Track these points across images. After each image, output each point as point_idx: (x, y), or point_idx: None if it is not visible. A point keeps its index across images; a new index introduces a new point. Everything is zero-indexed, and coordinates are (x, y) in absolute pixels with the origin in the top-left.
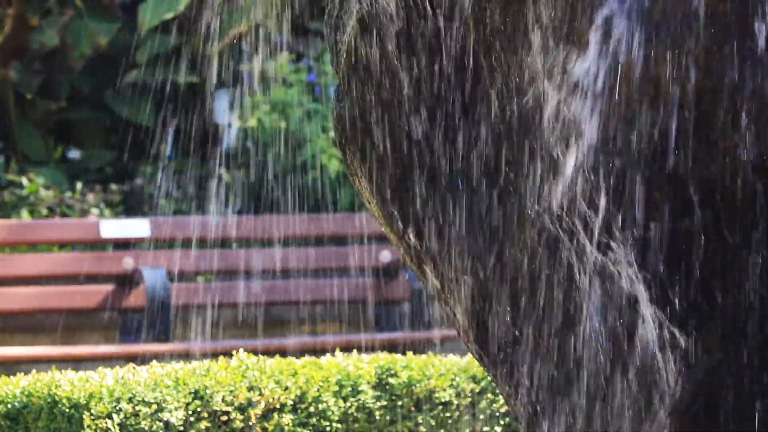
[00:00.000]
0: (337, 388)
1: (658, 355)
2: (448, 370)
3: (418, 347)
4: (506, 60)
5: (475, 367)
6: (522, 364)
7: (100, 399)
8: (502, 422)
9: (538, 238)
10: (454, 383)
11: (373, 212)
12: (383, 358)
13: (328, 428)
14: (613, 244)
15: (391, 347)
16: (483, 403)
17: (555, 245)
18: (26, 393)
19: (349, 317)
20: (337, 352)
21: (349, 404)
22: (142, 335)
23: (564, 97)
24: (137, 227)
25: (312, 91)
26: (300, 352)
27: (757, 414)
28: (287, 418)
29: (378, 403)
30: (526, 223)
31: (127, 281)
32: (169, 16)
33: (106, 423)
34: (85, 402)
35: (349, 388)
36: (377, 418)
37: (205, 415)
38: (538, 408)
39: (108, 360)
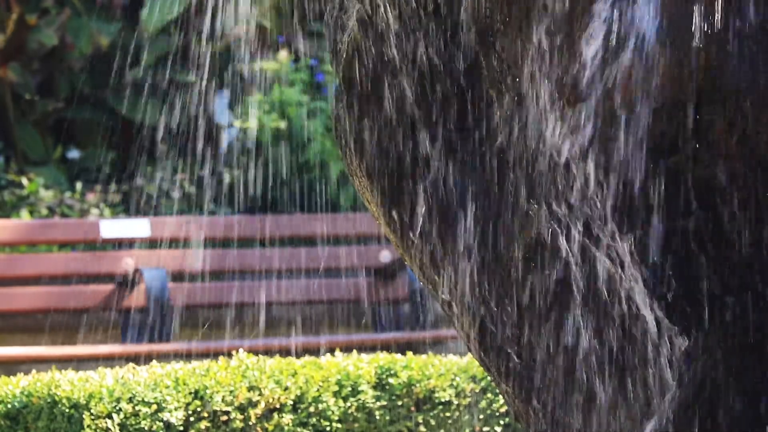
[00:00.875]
0: (336, 388)
1: (658, 355)
2: (448, 370)
3: (418, 347)
4: (507, 58)
5: (475, 367)
6: (522, 363)
7: (100, 399)
8: (502, 422)
9: (538, 238)
10: (454, 383)
11: (373, 212)
12: (383, 358)
13: (328, 428)
14: (614, 244)
15: (391, 347)
16: (483, 403)
17: (555, 245)
18: (26, 393)
19: (349, 317)
20: (337, 352)
21: (348, 404)
22: (142, 335)
23: (562, 96)
24: (137, 227)
25: (316, 89)
26: (300, 352)
27: (757, 414)
28: (287, 418)
29: (378, 403)
30: (526, 222)
31: (127, 281)
32: (170, 17)
33: (106, 423)
34: (85, 402)
35: (349, 388)
36: (377, 418)
37: (205, 415)
38: (538, 407)
39: (108, 360)
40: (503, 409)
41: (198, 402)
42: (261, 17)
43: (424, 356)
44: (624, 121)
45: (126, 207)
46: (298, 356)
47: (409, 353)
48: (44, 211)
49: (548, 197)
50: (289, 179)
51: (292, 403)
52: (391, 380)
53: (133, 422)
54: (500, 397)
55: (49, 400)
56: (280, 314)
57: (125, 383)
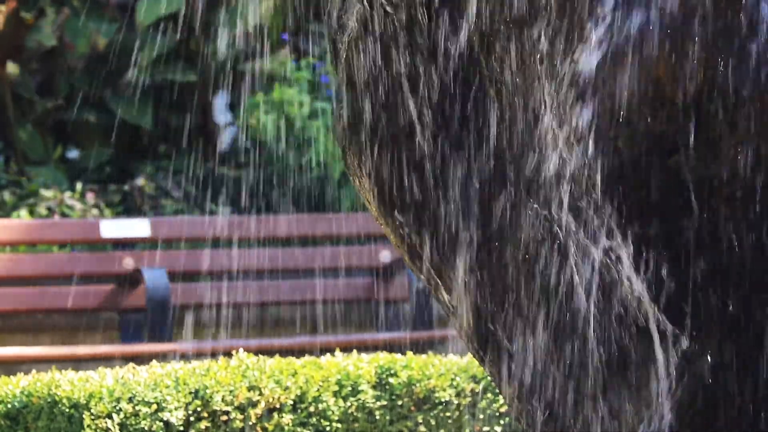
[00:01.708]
0: (337, 387)
1: (658, 355)
2: (448, 370)
3: (418, 347)
4: (507, 60)
5: (475, 366)
6: (522, 364)
7: (100, 399)
8: (502, 422)
9: (538, 238)
10: (454, 383)
11: (373, 212)
12: (383, 357)
13: (328, 428)
14: (614, 244)
15: (391, 347)
16: (483, 403)
17: (555, 245)
18: (26, 393)
19: (349, 317)
20: (337, 352)
21: (349, 404)
22: (142, 335)
23: (562, 97)
24: (137, 227)
25: (318, 90)
26: (300, 352)
27: (757, 414)
28: (287, 418)
29: (378, 403)
30: (526, 222)
31: (127, 281)
32: (165, 13)
33: (106, 423)
34: (85, 402)
35: (349, 388)
36: (377, 417)
37: (205, 415)
38: (538, 407)
39: (108, 360)
40: (503, 409)
41: (198, 402)
42: (262, 16)
43: (424, 356)
44: (623, 121)
45: (126, 207)
46: (299, 356)
47: (409, 353)
48: (44, 211)
49: (548, 198)
50: (289, 179)
51: (292, 402)
52: (391, 380)
53: (133, 422)
54: (500, 397)
55: (49, 400)
56: (280, 314)
57: (125, 383)
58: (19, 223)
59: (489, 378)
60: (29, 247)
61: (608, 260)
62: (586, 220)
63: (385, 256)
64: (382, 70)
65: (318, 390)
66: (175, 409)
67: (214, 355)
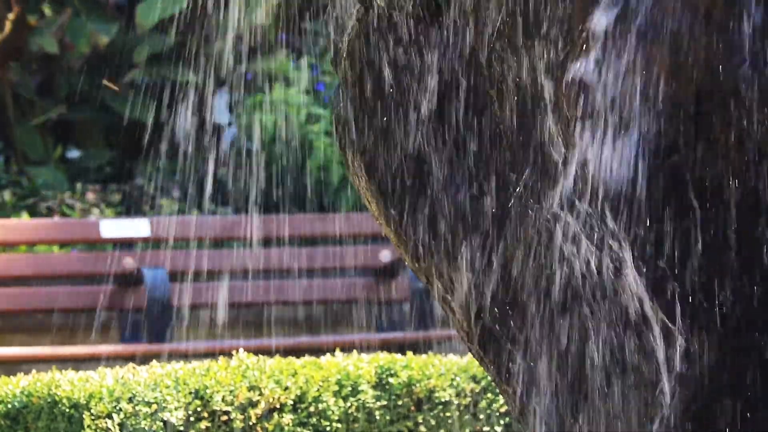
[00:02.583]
0: (337, 388)
1: (658, 355)
2: (448, 370)
3: (418, 347)
4: (508, 57)
5: (475, 367)
6: (522, 364)
7: (100, 399)
8: (502, 422)
9: (538, 237)
10: (454, 383)
11: (373, 212)
12: (383, 358)
13: (328, 428)
14: (614, 244)
15: (391, 347)
16: (483, 403)
17: (555, 244)
18: (26, 393)
19: (349, 317)
20: (337, 352)
21: (349, 404)
22: (142, 335)
23: (562, 96)
24: (137, 227)
25: (315, 94)
26: (300, 352)
27: (757, 414)
28: (287, 418)
29: (378, 403)
30: (526, 221)
31: (127, 281)
32: (168, 14)
33: (106, 423)
34: (85, 402)
35: (349, 388)
36: (377, 417)
37: (205, 415)
38: (537, 407)
39: (108, 360)
40: (503, 409)
41: (198, 402)
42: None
43: (424, 356)
44: (624, 121)
45: (126, 207)
46: (299, 356)
47: (409, 353)
48: (44, 211)
49: (549, 196)
50: (288, 179)
51: (292, 403)
52: (391, 380)
53: (133, 422)
54: (500, 397)
55: (49, 400)
56: (280, 314)
57: (125, 383)
58: (19, 223)
59: (489, 378)
60: (29, 247)
61: (609, 260)
62: (587, 220)
63: (385, 256)
64: (382, 70)
65: (318, 390)
66: (175, 409)
67: (214, 355)
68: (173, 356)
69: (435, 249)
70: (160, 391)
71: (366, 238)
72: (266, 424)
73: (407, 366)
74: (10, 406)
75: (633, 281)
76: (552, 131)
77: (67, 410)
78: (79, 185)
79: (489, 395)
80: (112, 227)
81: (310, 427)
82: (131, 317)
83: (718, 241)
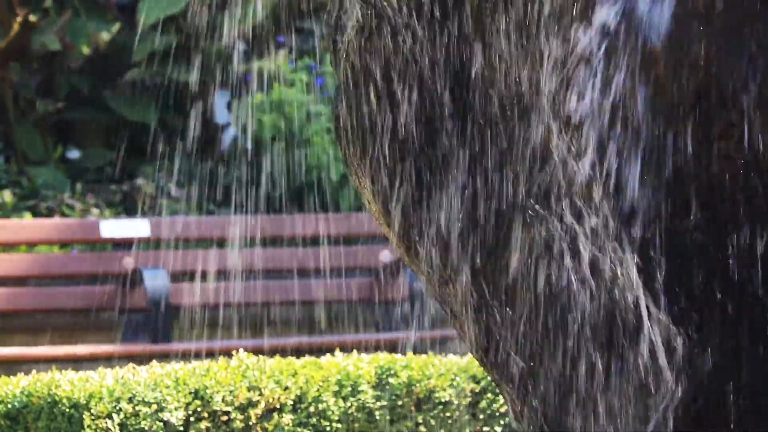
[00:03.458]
0: (337, 388)
1: (659, 356)
2: (448, 370)
3: (418, 347)
4: (506, 57)
5: (475, 367)
6: (521, 364)
7: (100, 399)
8: (502, 422)
9: (539, 239)
10: (454, 383)
11: (373, 212)
12: (383, 358)
13: (328, 428)
14: (615, 245)
15: (391, 347)
16: (483, 403)
17: (555, 246)
18: (26, 393)
19: (349, 317)
20: (337, 352)
21: (349, 404)
22: (142, 335)
23: (561, 95)
24: (137, 227)
25: (317, 93)
26: (300, 352)
27: (757, 414)
28: (287, 418)
29: (378, 403)
30: (526, 223)
31: (127, 281)
32: (168, 13)
33: (106, 423)
34: (85, 402)
35: (349, 388)
36: (377, 418)
37: (205, 415)
38: (538, 408)
39: (108, 360)
40: (503, 409)
41: (198, 402)
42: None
43: (424, 356)
44: (624, 121)
45: (126, 207)
46: (299, 356)
47: (409, 353)
48: (44, 211)
49: (549, 198)
50: (289, 179)
51: (292, 403)
52: (391, 380)
53: (133, 422)
54: (500, 397)
55: (49, 400)
56: (280, 314)
57: (125, 383)
58: (19, 223)
59: (489, 378)
60: (29, 247)
61: (609, 261)
62: (586, 222)
63: (385, 256)
64: (381, 70)
65: (318, 390)
66: (175, 409)
67: (214, 355)
68: (173, 356)
69: (435, 249)
70: (160, 391)
71: (366, 238)
72: (266, 424)
73: (407, 366)
74: (10, 406)
75: (632, 281)
76: (553, 133)
77: (67, 410)
78: (79, 185)
79: (489, 395)
80: (112, 227)
81: (310, 427)
82: (131, 317)
83: (718, 242)
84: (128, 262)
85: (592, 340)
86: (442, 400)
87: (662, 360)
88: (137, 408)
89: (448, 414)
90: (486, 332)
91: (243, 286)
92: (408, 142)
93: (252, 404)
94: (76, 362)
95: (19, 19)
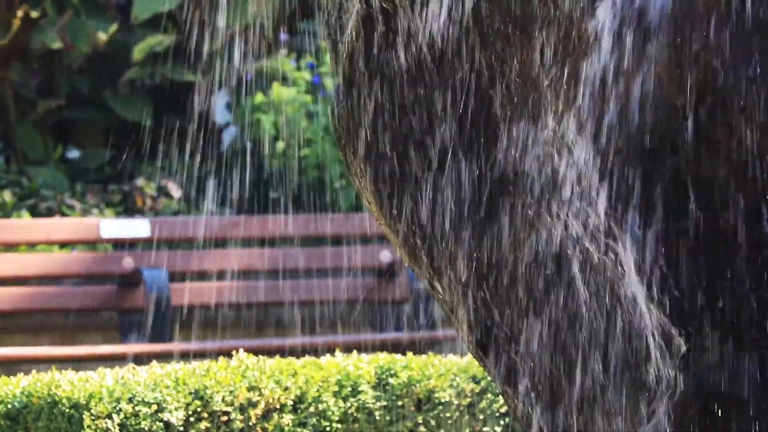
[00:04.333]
0: (337, 388)
1: (657, 356)
2: (448, 370)
3: (418, 347)
4: (506, 59)
5: (475, 367)
6: (521, 364)
7: (100, 399)
8: (502, 422)
9: (537, 239)
10: (454, 383)
11: (373, 212)
12: (383, 358)
13: (328, 428)
14: (613, 244)
15: (391, 347)
16: (483, 403)
17: (555, 246)
18: (26, 393)
19: (349, 317)
20: (337, 352)
21: (349, 404)
22: (142, 335)
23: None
24: (137, 227)
25: (315, 92)
26: (300, 352)
27: (756, 414)
28: (287, 418)
29: (378, 403)
30: (526, 223)
31: (127, 281)
32: (163, 9)
33: (106, 423)
34: (85, 402)
35: (349, 388)
36: (377, 418)
37: (205, 415)
38: (538, 408)
39: (108, 360)
40: (503, 409)
41: (198, 402)
42: (260, 15)
43: (424, 356)
44: (624, 121)
45: (126, 207)
46: (299, 356)
47: (409, 353)
48: (44, 211)
49: (548, 197)
50: (288, 179)
51: (292, 403)
52: (391, 380)
53: (133, 422)
54: (500, 397)
55: (49, 400)
56: (280, 314)
57: (125, 383)
58: (19, 223)
59: (489, 378)
60: (29, 247)
61: (609, 261)
62: (586, 221)
63: (385, 256)
64: (382, 70)
65: (318, 390)
66: (175, 409)
67: (214, 355)
68: (173, 356)
69: (436, 250)
70: (160, 392)
71: (366, 238)
72: (266, 425)
73: (407, 366)
74: (10, 406)
75: (632, 281)
76: (552, 129)
77: (67, 410)
78: (79, 185)
79: (489, 395)
80: (112, 227)
81: (310, 428)
82: (131, 317)
83: (718, 242)
84: (128, 262)
85: (592, 340)
86: (442, 401)
87: (662, 360)
88: (137, 408)
89: (448, 414)
90: (486, 333)
91: (243, 286)
92: (408, 141)
93: (252, 404)
94: (76, 362)
95: (20, 13)
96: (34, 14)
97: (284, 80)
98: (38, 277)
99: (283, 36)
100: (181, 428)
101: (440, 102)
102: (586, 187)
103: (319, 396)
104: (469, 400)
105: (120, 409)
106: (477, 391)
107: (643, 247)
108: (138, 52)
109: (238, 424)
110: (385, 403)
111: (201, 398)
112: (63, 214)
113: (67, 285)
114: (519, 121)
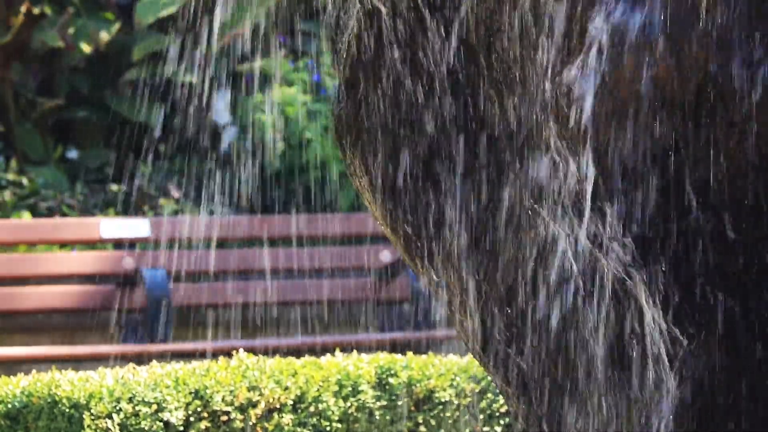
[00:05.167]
0: (337, 388)
1: (658, 356)
2: (448, 370)
3: (418, 347)
4: (508, 58)
5: (475, 367)
6: (521, 364)
7: (100, 399)
8: (502, 422)
9: (539, 240)
10: (454, 383)
11: (373, 212)
12: (383, 358)
13: (328, 428)
14: (614, 245)
15: (391, 347)
16: (483, 403)
17: (555, 246)
18: (26, 393)
19: (349, 317)
20: (337, 352)
21: (349, 404)
22: (142, 335)
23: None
24: (137, 227)
25: (316, 91)
26: (300, 352)
27: (756, 414)
28: (287, 418)
29: (378, 403)
30: (526, 223)
31: (127, 281)
32: (165, 12)
33: (106, 423)
34: (85, 402)
35: (349, 388)
36: (377, 418)
37: (205, 415)
38: (537, 408)
39: (108, 360)
40: (503, 409)
41: (198, 402)
42: (260, 16)
43: (424, 356)
44: (623, 121)
45: (126, 207)
46: (299, 356)
47: (409, 353)
48: (44, 211)
49: (549, 199)
50: (289, 179)
51: (292, 403)
52: (391, 380)
53: (133, 422)
54: (500, 397)
55: (49, 400)
56: (280, 314)
57: (125, 383)
58: (19, 223)
59: (489, 378)
60: (29, 247)
61: (609, 261)
62: (586, 221)
63: (385, 256)
64: (382, 70)
65: (318, 390)
66: (175, 409)
67: (214, 355)
68: (173, 356)
69: (435, 249)
70: (160, 391)
71: (366, 238)
72: (266, 424)
73: (407, 366)
74: (10, 406)
75: (632, 281)
76: (552, 132)
77: (67, 410)
78: (79, 185)
79: (489, 395)
80: (112, 227)
81: (310, 427)
82: (131, 317)
83: (718, 242)
84: (128, 262)
85: (592, 341)
86: (442, 400)
87: (662, 360)
88: (137, 408)
89: (448, 414)
90: (487, 333)
91: (243, 286)
92: (409, 141)
93: (252, 404)
94: (76, 362)
95: (23, 9)
96: (37, 11)
97: (284, 81)
98: (38, 277)
99: (280, 37)
100: (181, 428)
101: (445, 105)
102: (587, 189)
103: (319, 396)
104: (469, 400)
105: (120, 409)
106: (477, 391)
107: (644, 247)
108: (138, 52)
109: (238, 424)
110: (385, 403)
111: (201, 398)
112: (63, 214)
113: (67, 285)
114: (518, 116)
